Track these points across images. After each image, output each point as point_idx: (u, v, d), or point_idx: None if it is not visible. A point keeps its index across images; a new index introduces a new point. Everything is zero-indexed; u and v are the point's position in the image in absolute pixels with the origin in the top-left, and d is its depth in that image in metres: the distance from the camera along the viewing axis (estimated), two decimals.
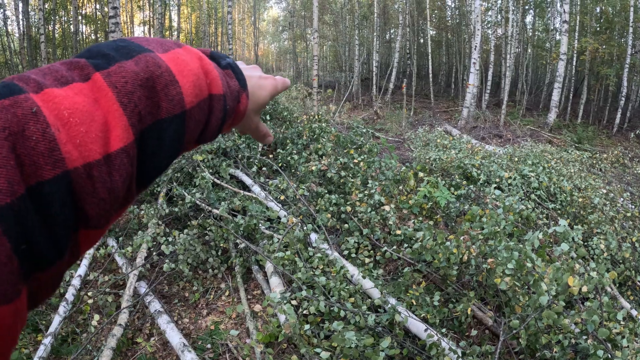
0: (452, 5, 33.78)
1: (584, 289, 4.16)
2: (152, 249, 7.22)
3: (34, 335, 5.91)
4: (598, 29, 22.87)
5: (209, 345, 5.40)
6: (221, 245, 7.10)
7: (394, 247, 6.24)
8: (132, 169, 0.56)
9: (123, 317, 5.76)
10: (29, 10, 19.36)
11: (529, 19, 29.37)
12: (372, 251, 6.28)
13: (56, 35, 22.92)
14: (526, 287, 4.92)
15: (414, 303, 5.12)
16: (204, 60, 0.67)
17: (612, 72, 20.28)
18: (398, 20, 27.49)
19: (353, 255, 6.10)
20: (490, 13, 25.10)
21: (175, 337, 5.37)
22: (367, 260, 5.97)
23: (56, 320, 5.59)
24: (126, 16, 30.81)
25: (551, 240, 6.32)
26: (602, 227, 7.22)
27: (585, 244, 6.91)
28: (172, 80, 0.60)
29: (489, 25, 24.28)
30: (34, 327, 6.02)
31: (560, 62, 18.38)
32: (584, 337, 4.26)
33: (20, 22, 19.09)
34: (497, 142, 15.59)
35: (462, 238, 5.17)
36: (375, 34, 26.44)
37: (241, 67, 0.80)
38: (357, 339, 4.35)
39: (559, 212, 7.95)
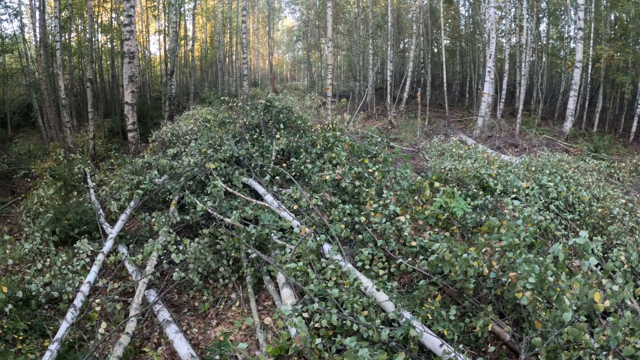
0: (466, 14, 33.70)
1: (606, 303, 4.00)
2: (162, 257, 7.15)
3: (41, 340, 5.85)
4: (613, 35, 22.58)
5: (217, 357, 5.28)
6: (232, 254, 7.00)
7: (409, 259, 6.09)
8: None
9: (131, 326, 5.68)
10: (46, 18, 19.53)
11: (542, 27, 29.11)
12: (386, 263, 6.13)
13: (72, 43, 23.13)
14: (545, 301, 4.75)
15: (430, 317, 4.96)
16: None
17: (628, 79, 19.93)
18: (412, 29, 27.42)
19: (367, 267, 5.95)
20: (504, 21, 24.92)
21: (183, 348, 5.26)
22: (381, 272, 5.82)
23: (63, 327, 5.52)
24: (142, 25, 31.04)
25: (570, 252, 6.15)
26: (622, 238, 7.02)
27: (605, 255, 6.72)
28: None
29: (503, 34, 24.08)
30: (41, 332, 5.96)
31: (576, 69, 18.12)
32: (604, 353, 4.09)
33: (37, 30, 19.24)
34: (513, 152, 15.35)
35: (483, 250, 5.01)
36: (389, 43, 26.35)
37: None
38: (370, 354, 4.21)
39: (577, 222, 7.75)
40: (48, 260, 7.28)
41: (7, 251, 7.27)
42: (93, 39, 20.61)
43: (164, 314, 5.98)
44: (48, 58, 19.42)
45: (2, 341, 5.55)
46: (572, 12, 25.08)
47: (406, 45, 36.81)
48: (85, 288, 6.38)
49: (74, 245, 7.56)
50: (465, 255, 5.04)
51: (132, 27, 12.69)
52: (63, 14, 19.78)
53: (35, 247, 7.68)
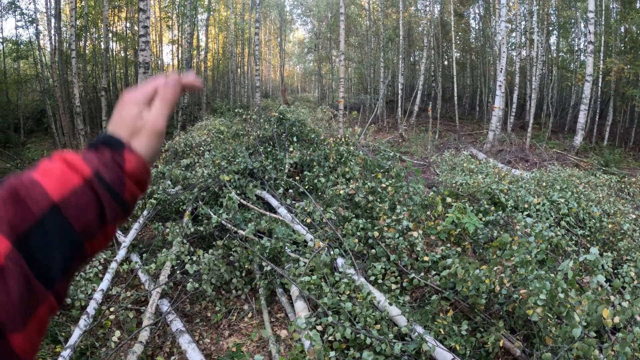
0: (477, 27, 33.78)
1: (616, 319, 4.05)
2: (175, 267, 7.21)
3: (53, 346, 5.86)
4: (623, 48, 22.55)
5: None
6: (246, 266, 7.06)
7: (422, 273, 6.13)
8: (24, 270, 0.63)
9: (144, 335, 5.73)
10: (61, 26, 19.81)
11: (552, 39, 29.12)
12: (399, 277, 6.17)
13: (87, 51, 23.43)
14: (556, 317, 4.78)
15: (442, 332, 5.00)
16: (67, 158, 0.74)
17: (638, 92, 19.84)
18: (423, 42, 27.54)
19: (379, 281, 6.00)
20: (514, 34, 24.97)
21: (196, 358, 5.31)
22: (393, 286, 5.87)
23: (76, 333, 5.56)
24: (155, 35, 31.33)
25: (581, 269, 6.17)
26: (632, 254, 7.03)
27: (615, 271, 6.72)
28: (33, 183, 0.68)
29: (514, 47, 24.13)
30: (53, 337, 5.98)
31: (586, 83, 18.10)
32: None
33: (52, 38, 19.49)
34: (524, 166, 15.34)
35: (495, 269, 5.05)
36: (400, 56, 26.48)
37: (114, 122, 0.84)
38: None
39: (588, 238, 7.76)
40: None
41: None
42: (108, 48, 20.87)
43: (177, 324, 6.03)
44: (63, 65, 19.68)
45: None
46: (582, 25, 25.14)
47: (417, 58, 36.94)
48: (98, 296, 6.44)
49: None
50: (477, 271, 5.09)
51: (147, 38, 12.87)
52: (78, 23, 20.05)
53: None
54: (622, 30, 23.11)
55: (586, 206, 8.27)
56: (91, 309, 6.11)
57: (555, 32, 28.38)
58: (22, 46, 23.50)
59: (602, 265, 6.03)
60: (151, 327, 5.98)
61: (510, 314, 5.41)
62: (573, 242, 7.43)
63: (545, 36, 25.40)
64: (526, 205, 8.16)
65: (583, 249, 7.36)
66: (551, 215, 8.03)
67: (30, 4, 27.75)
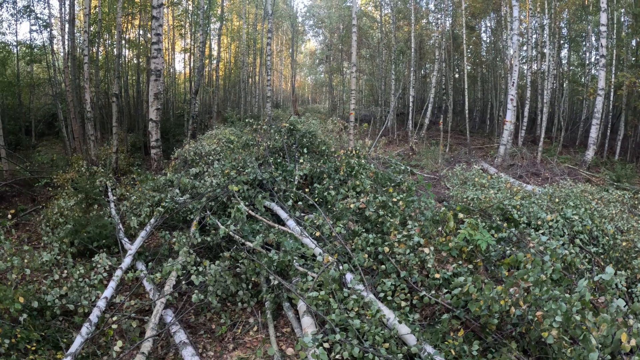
0: (487, 41, 33.71)
1: (632, 342, 3.92)
2: (181, 277, 7.11)
3: (54, 352, 5.76)
4: (634, 62, 22.38)
5: None
6: (252, 279, 6.94)
7: (432, 291, 6.00)
8: None
9: (147, 345, 5.61)
10: (75, 31, 19.92)
11: (563, 53, 28.96)
12: (409, 294, 6.03)
13: (99, 57, 23.56)
14: (570, 339, 4.64)
15: (452, 352, 4.86)
16: None
17: None
18: (434, 55, 27.50)
19: (389, 298, 5.86)
20: (525, 48, 24.87)
21: None
22: (403, 303, 5.73)
23: (78, 341, 5.45)
24: (168, 43, 31.43)
25: (594, 288, 6.01)
26: None
27: (629, 290, 6.57)
28: None
29: (525, 61, 24.03)
30: (54, 343, 5.88)
31: (598, 97, 17.91)
32: None
33: (66, 43, 19.59)
34: (535, 181, 15.15)
35: (511, 290, 4.91)
36: (411, 68, 26.44)
37: None
38: None
39: (602, 256, 7.60)
40: (65, 271, 7.27)
41: (25, 260, 7.25)
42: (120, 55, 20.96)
43: (180, 336, 5.92)
44: (75, 70, 19.72)
45: (14, 350, 5.48)
46: (593, 39, 25.04)
47: (428, 71, 36.90)
48: (101, 303, 6.35)
49: (92, 258, 7.57)
50: (491, 293, 4.95)
51: (159, 46, 12.88)
52: (92, 29, 20.15)
53: (53, 257, 7.67)
54: (634, 43, 22.96)
55: (600, 223, 8.12)
56: (94, 316, 6.01)
57: (566, 45, 28.26)
58: (35, 50, 23.74)
59: (616, 284, 5.90)
60: (154, 338, 5.87)
61: (523, 334, 5.26)
62: (587, 259, 7.28)
63: (556, 50, 25.24)
64: (539, 222, 8.01)
65: (597, 267, 7.21)
66: (564, 232, 7.88)
67: (45, 8, 28.17)
